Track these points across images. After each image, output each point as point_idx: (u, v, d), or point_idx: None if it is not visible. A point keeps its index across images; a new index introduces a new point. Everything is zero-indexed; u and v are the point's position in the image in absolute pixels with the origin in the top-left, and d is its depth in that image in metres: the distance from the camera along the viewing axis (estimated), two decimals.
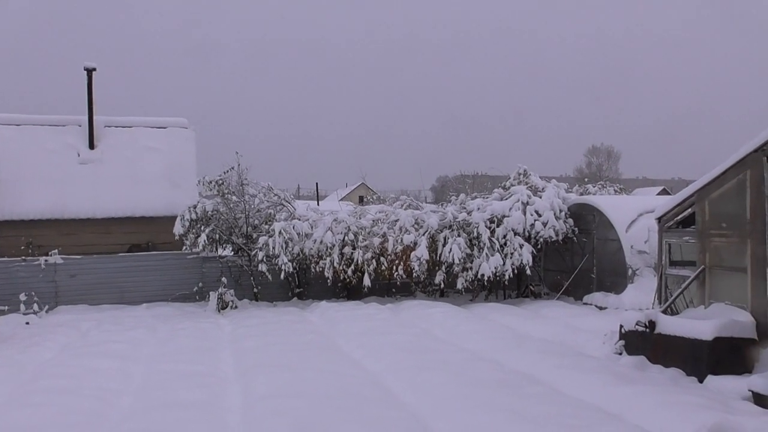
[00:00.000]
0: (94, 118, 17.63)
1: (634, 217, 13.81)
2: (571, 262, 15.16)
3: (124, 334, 10.88)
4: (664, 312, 8.97)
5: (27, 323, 12.48)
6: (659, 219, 10.01)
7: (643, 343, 8.55)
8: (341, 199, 52.93)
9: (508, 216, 14.70)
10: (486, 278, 14.01)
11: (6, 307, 13.52)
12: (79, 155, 17.25)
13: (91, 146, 17.56)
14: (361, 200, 52.69)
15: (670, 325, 8.26)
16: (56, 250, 14.63)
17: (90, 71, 17.55)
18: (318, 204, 35.76)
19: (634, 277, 13.01)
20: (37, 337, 10.65)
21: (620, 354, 8.82)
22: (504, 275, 14.20)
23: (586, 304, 13.75)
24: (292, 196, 17.33)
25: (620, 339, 8.97)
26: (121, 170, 17.18)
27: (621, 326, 8.98)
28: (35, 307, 13.66)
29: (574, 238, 14.95)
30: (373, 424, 6.00)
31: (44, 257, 14.37)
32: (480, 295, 15.42)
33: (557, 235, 14.70)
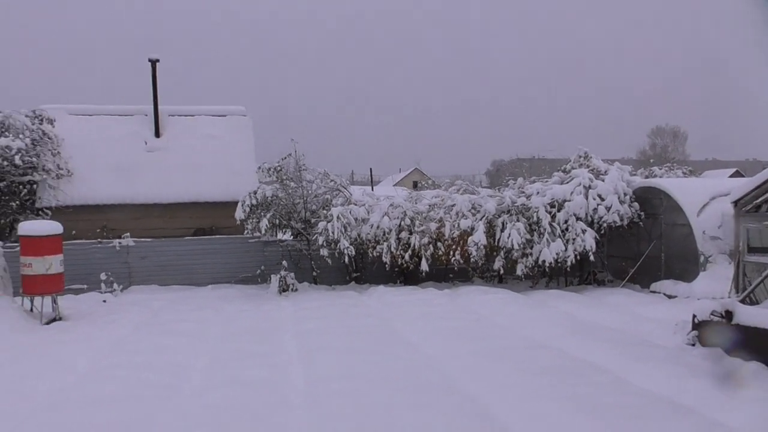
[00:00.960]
0: (159, 107, 18.27)
1: (705, 200, 13.20)
2: (637, 248, 14.69)
3: (192, 314, 11.33)
4: (743, 301, 8.55)
5: (104, 301, 13.19)
6: (736, 202, 9.56)
7: (719, 334, 8.16)
8: (395, 185, 53.00)
9: (569, 200, 14.36)
10: (547, 264, 13.75)
11: (85, 286, 14.32)
12: (146, 143, 17.93)
13: (157, 135, 18.22)
14: (414, 185, 52.58)
15: (750, 316, 7.84)
16: (128, 234, 15.36)
17: (154, 62, 18.14)
18: (372, 189, 35.92)
19: (707, 264, 12.47)
20: (113, 315, 11.26)
21: (693, 345, 8.48)
22: (566, 261, 13.89)
23: (653, 292, 13.29)
24: (347, 182, 17.48)
25: (693, 329, 8.62)
26: (185, 157, 17.75)
27: (694, 316, 8.62)
28: (114, 285, 14.43)
29: (640, 223, 14.46)
30: (433, 408, 6.02)
31: (118, 240, 15.11)
32: (540, 282, 15.17)
33: (622, 219, 14.26)
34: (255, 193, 14.96)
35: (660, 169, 21.97)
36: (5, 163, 15.60)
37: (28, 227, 11.13)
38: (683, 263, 13.21)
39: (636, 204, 14.51)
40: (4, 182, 15.84)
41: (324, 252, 14.32)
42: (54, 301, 11.21)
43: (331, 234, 14.15)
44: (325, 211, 15.03)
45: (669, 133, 70.42)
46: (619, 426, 5.50)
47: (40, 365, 7.75)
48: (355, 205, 15.13)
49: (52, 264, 10.95)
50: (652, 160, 35.79)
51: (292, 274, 14.40)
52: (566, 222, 14.15)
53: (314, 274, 15.40)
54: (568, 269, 14.75)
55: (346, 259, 14.46)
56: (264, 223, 14.51)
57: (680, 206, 13.29)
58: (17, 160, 15.60)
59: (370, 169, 47.70)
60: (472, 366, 7.59)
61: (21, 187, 16.12)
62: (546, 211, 14.16)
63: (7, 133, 16.05)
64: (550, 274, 15.10)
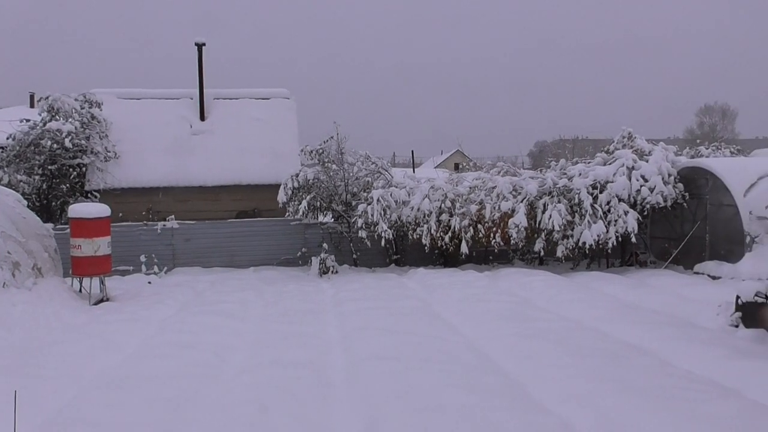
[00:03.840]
0: (204, 90, 18.58)
1: (753, 180, 12.78)
2: (681, 229, 14.32)
3: (235, 295, 11.58)
4: None
5: (149, 282, 13.59)
6: None
7: (764, 315, 7.98)
8: (437, 167, 52.75)
9: (611, 181, 14.07)
10: (588, 246, 13.54)
11: (131, 268, 14.80)
12: (191, 126, 18.29)
13: (202, 118, 18.57)
14: (456, 167, 52.25)
15: None
16: (172, 216, 15.77)
17: (200, 46, 18.44)
18: (414, 171, 35.84)
19: (753, 244, 12.10)
20: (158, 296, 11.59)
21: (736, 326, 8.28)
22: (607, 243, 13.66)
23: (697, 273, 12.98)
24: (388, 164, 17.49)
25: (737, 310, 8.41)
26: (229, 140, 18.06)
27: (738, 297, 8.41)
28: (155, 268, 14.85)
29: (685, 204, 14.08)
30: (474, 388, 6.05)
31: (162, 222, 15.53)
32: (581, 264, 14.97)
33: (665, 200, 13.91)
34: (297, 176, 15.13)
35: (707, 148, 21.18)
36: (56, 146, 16.17)
37: (78, 210, 11.45)
38: (728, 244, 12.83)
39: (680, 185, 14.14)
40: (56, 165, 16.44)
41: (363, 234, 14.43)
42: (102, 282, 11.58)
43: (370, 216, 14.24)
44: (366, 194, 15.11)
45: (718, 111, 67.78)
46: (661, 407, 5.43)
47: (90, 344, 8.01)
48: (396, 187, 15.16)
49: (100, 246, 11.29)
50: (698, 140, 34.42)
51: (333, 257, 14.57)
52: (608, 203, 13.89)
53: (354, 256, 15.54)
54: (610, 251, 14.51)
55: (383, 242, 14.53)
56: (303, 205, 14.69)
57: (726, 186, 12.88)
58: (67, 143, 16.16)
59: (412, 151, 47.51)
60: (513, 347, 7.58)
61: (71, 169, 16.69)
62: (588, 192, 13.92)
63: (57, 116, 16.61)
64: (591, 255, 14.88)
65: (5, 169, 16.22)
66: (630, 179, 14.03)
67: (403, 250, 15.87)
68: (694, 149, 21.08)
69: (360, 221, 14.38)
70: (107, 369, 6.99)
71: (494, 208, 14.10)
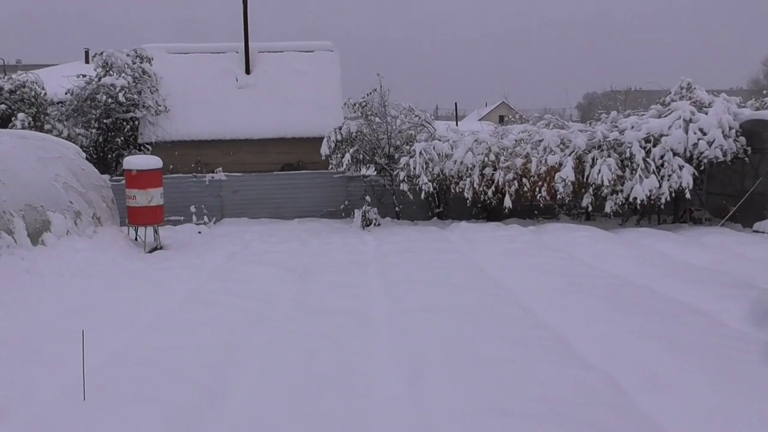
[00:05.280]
0: (249, 44, 18.59)
1: None
2: (741, 186, 13.75)
3: (281, 246, 11.83)
4: None
5: (199, 232, 13.99)
6: None
7: None
8: (481, 119, 51.77)
9: (666, 135, 13.52)
10: (639, 202, 13.17)
11: (182, 218, 15.27)
12: (237, 80, 18.42)
13: (248, 71, 18.65)
14: (501, 120, 51.14)
15: None
16: (220, 168, 16.09)
17: None
18: (457, 124, 35.31)
19: None
20: (208, 245, 11.97)
21: None
22: (659, 199, 13.22)
23: (756, 231, 12.49)
24: (431, 117, 17.27)
25: None
26: (274, 94, 18.14)
27: None
28: (205, 218, 15.28)
29: (746, 159, 13.45)
30: (515, 341, 6.04)
31: (210, 174, 15.87)
32: (630, 220, 14.62)
33: (725, 155, 13.31)
34: (340, 128, 15.13)
35: None
36: (110, 100, 16.60)
37: (133, 162, 11.84)
38: None
39: (742, 138, 13.48)
40: (110, 119, 16.91)
41: (404, 187, 14.42)
42: (155, 231, 12.01)
43: (412, 169, 14.19)
44: (408, 147, 15.02)
45: None
46: (710, 366, 5.28)
47: (146, 290, 8.37)
48: (439, 140, 15.00)
49: (153, 197, 11.67)
50: (765, 91, 32.32)
51: (375, 209, 14.64)
52: (662, 157, 13.39)
53: (397, 209, 15.57)
54: (662, 207, 14.06)
55: (423, 195, 14.49)
56: (346, 158, 14.74)
57: None
58: (121, 97, 16.57)
59: (455, 103, 46.78)
60: (557, 302, 7.51)
61: (124, 123, 17.16)
62: (640, 146, 13.45)
63: (111, 71, 17.00)
64: (642, 211, 14.49)
65: (65, 122, 16.79)
66: (687, 132, 13.44)
67: (446, 203, 15.80)
68: (760, 101, 19.87)
69: (402, 174, 14.34)
70: (162, 313, 7.30)
71: (540, 161, 13.80)
